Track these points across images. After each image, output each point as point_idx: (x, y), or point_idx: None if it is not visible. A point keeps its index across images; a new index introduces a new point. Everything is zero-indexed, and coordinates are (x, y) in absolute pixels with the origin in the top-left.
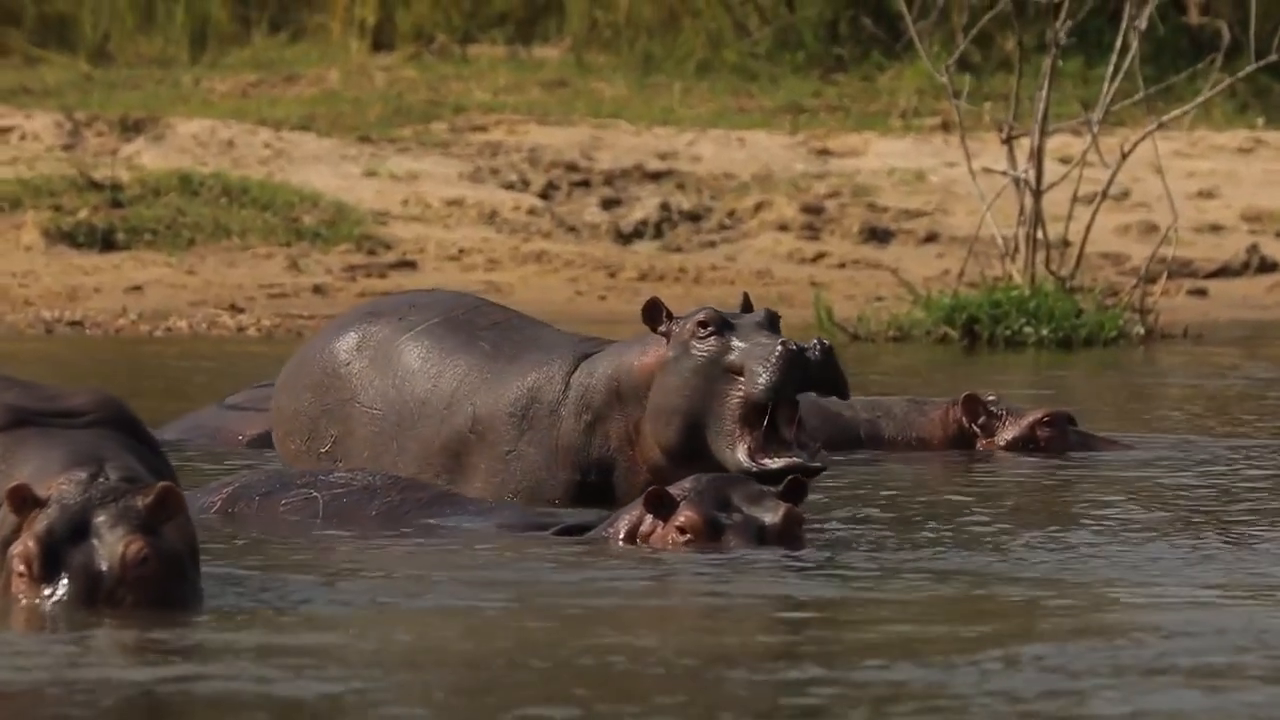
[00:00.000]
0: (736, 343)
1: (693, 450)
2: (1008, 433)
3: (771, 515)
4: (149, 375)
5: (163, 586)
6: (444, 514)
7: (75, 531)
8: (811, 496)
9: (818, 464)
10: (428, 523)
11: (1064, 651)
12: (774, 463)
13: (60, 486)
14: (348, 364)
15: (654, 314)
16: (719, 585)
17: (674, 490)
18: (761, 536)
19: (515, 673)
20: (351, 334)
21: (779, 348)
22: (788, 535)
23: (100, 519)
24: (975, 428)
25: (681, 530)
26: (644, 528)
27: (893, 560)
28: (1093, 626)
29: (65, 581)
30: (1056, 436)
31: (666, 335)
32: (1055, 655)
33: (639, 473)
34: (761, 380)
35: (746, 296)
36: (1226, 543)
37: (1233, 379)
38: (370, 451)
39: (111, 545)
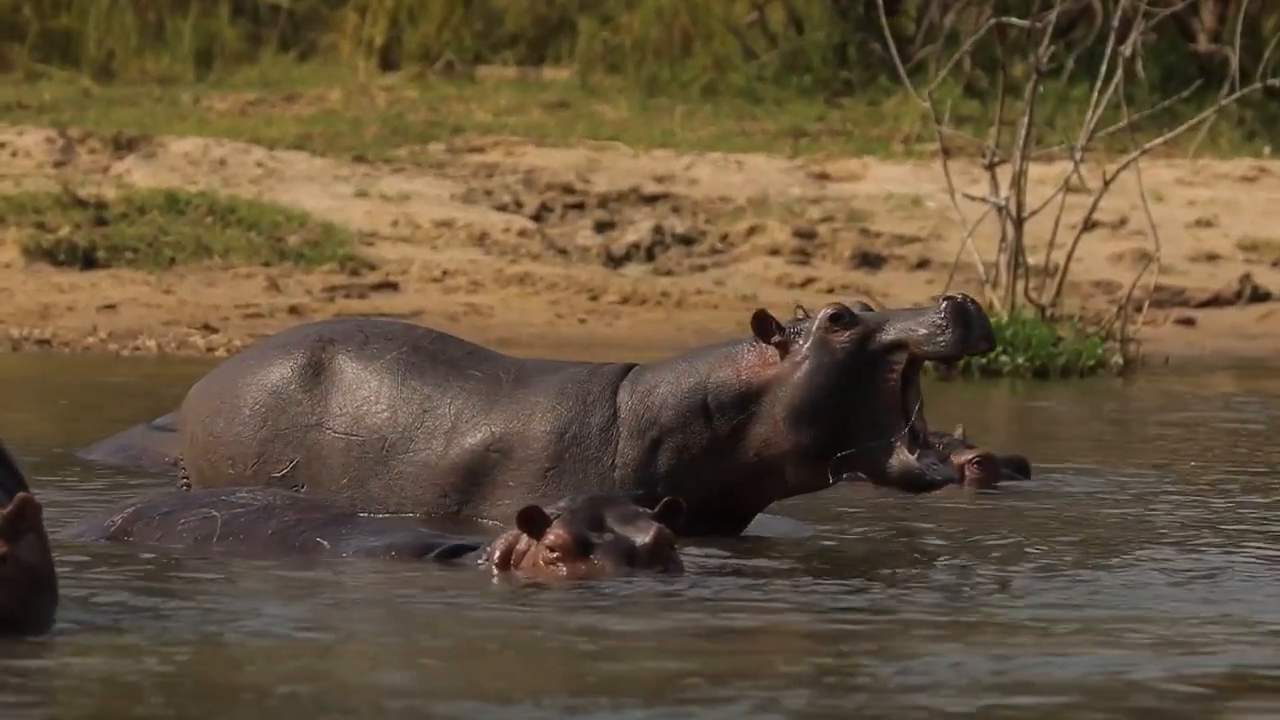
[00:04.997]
0: (879, 324)
1: (835, 447)
2: None
3: (643, 536)
4: (105, 394)
5: (18, 594)
6: (338, 535)
7: None
8: None
9: (954, 475)
10: (319, 543)
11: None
12: (938, 476)
13: None
14: (308, 389)
15: (765, 325)
16: (555, 615)
17: (549, 509)
18: (631, 557)
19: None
20: (301, 359)
21: (945, 302)
22: (658, 556)
23: None
24: None
25: (551, 549)
26: (520, 547)
27: (747, 589)
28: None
29: None
30: (985, 478)
31: (782, 345)
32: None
33: (725, 477)
34: (945, 337)
35: (801, 307)
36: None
37: (1202, 411)
38: (350, 477)
39: None
